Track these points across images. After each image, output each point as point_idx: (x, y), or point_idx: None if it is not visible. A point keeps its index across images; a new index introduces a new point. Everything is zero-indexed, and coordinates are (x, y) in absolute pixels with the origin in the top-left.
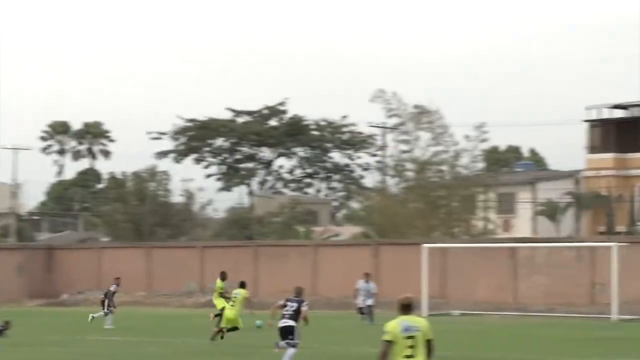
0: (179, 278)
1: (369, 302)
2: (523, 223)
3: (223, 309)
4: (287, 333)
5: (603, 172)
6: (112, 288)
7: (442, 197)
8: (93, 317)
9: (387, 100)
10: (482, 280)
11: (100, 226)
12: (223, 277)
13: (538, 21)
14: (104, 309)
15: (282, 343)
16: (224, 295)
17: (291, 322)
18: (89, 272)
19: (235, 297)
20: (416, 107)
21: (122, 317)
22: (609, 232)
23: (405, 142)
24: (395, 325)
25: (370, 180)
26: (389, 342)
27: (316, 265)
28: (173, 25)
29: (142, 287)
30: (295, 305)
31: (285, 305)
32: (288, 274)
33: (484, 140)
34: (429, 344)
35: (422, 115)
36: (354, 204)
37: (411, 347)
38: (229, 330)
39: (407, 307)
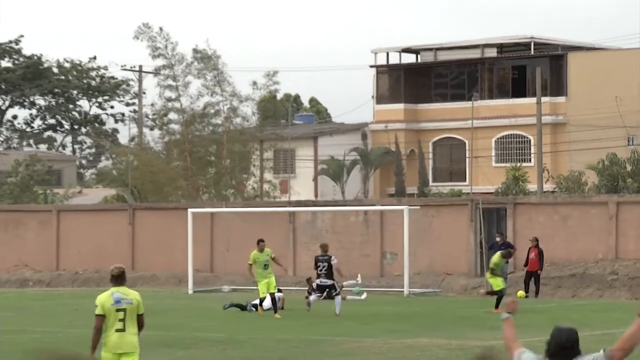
0: None
1: None
2: (303, 184)
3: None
4: (329, 289)
5: (392, 125)
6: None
7: (212, 154)
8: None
9: (153, 37)
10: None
11: None
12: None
13: None
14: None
15: (314, 297)
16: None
17: (329, 281)
18: None
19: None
20: (195, 51)
21: None
22: (400, 193)
23: (172, 88)
24: (106, 297)
25: (125, 133)
26: (101, 316)
27: (60, 233)
28: None
29: None
30: (326, 264)
31: (317, 265)
32: (26, 244)
33: (273, 91)
34: (140, 319)
35: (199, 60)
36: (106, 162)
37: (122, 320)
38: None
39: (118, 278)
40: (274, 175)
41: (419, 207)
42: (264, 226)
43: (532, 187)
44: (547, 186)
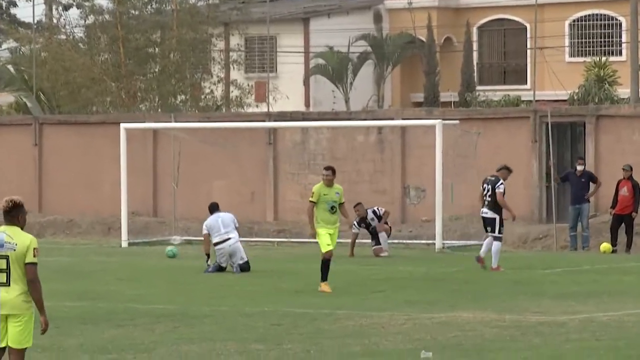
0: None
1: None
2: (289, 88)
3: None
4: (485, 225)
5: (419, 2)
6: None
7: (156, 44)
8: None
9: None
10: (219, 185)
11: None
12: None
13: None
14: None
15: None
16: None
17: (488, 213)
18: None
19: None
20: None
21: None
22: (430, 102)
23: None
24: None
25: (28, 13)
26: None
27: None
28: None
29: None
30: (489, 186)
31: (483, 187)
32: None
33: None
34: (28, 271)
35: None
36: (3, 55)
37: (4, 271)
38: None
39: (7, 215)
40: (245, 75)
41: (457, 121)
42: (231, 150)
43: (624, 91)
44: None
